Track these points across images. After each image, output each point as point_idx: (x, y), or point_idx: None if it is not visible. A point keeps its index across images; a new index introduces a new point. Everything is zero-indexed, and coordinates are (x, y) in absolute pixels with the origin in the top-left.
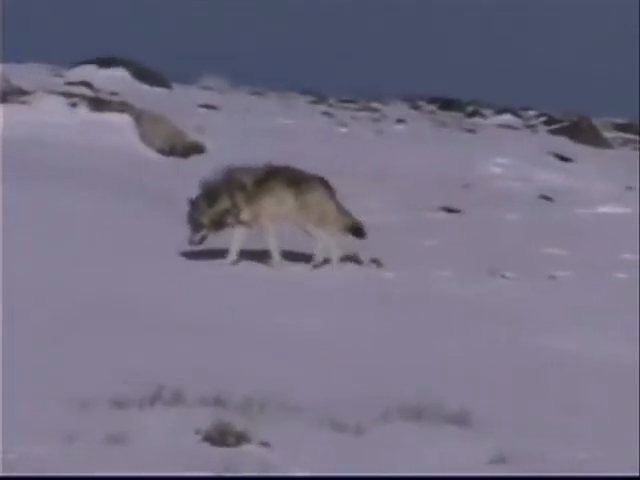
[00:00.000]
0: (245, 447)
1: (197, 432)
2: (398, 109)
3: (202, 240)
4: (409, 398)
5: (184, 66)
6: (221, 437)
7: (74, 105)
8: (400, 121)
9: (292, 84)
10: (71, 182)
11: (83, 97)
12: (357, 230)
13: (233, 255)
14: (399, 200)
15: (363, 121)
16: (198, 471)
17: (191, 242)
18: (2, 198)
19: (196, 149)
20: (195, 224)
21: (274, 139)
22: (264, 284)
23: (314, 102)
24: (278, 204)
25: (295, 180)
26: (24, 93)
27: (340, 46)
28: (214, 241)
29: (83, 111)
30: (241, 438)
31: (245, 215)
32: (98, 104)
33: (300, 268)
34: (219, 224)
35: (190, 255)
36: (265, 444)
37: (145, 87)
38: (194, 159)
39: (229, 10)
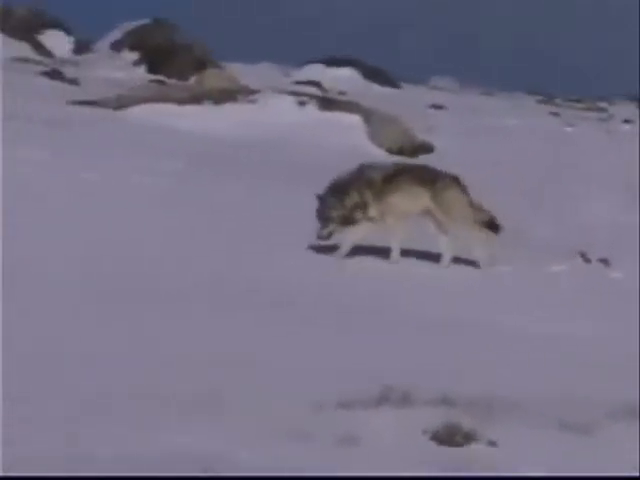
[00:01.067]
0: (473, 446)
1: (425, 432)
2: (625, 109)
3: (330, 235)
4: (635, 398)
5: (413, 67)
6: (449, 437)
7: (303, 104)
8: (627, 121)
9: (520, 84)
10: (300, 181)
11: (312, 96)
12: (493, 225)
13: (346, 248)
14: (628, 199)
15: (590, 121)
16: (426, 471)
17: (319, 237)
18: (233, 196)
19: (425, 149)
20: (324, 219)
21: (502, 138)
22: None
23: (542, 102)
24: (409, 201)
25: (428, 178)
26: (252, 92)
27: (565, 47)
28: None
29: (312, 110)
30: (469, 437)
31: (373, 212)
32: (327, 103)
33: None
34: (348, 220)
35: (406, 253)
36: (492, 443)
37: (374, 87)
38: (423, 159)
39: (457, 12)
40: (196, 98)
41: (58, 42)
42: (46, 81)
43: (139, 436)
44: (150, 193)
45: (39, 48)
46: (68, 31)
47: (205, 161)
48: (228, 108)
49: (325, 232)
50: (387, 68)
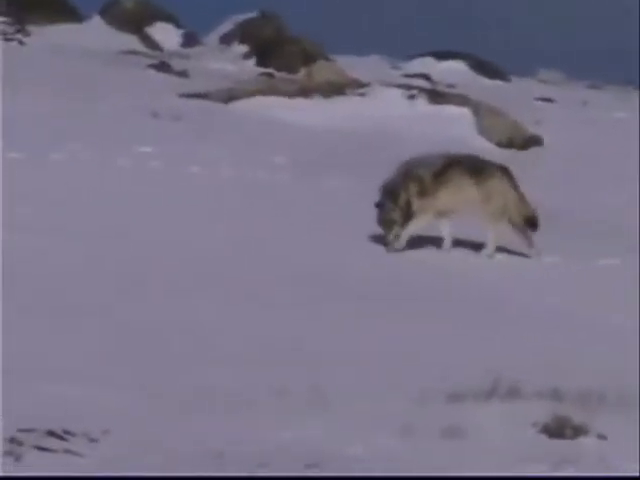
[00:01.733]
0: (582, 440)
1: (534, 425)
2: None
3: (397, 238)
4: None
5: (522, 59)
6: (559, 430)
7: (412, 97)
8: None
9: (630, 78)
10: None
11: (421, 89)
12: (533, 222)
13: (403, 241)
14: None
15: None
16: (535, 463)
17: (387, 244)
18: (343, 190)
19: (534, 142)
20: (386, 225)
21: (611, 132)
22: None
23: None
24: (457, 195)
25: (476, 169)
26: (361, 85)
27: None
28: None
29: (421, 103)
30: (578, 431)
31: (423, 206)
32: (436, 97)
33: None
34: (407, 218)
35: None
36: (602, 437)
37: (484, 80)
38: (533, 151)
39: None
40: (305, 91)
41: (167, 35)
42: (155, 74)
43: (247, 433)
44: (260, 187)
45: (147, 41)
46: (177, 24)
47: (314, 154)
48: (337, 101)
49: (391, 237)
50: (498, 61)
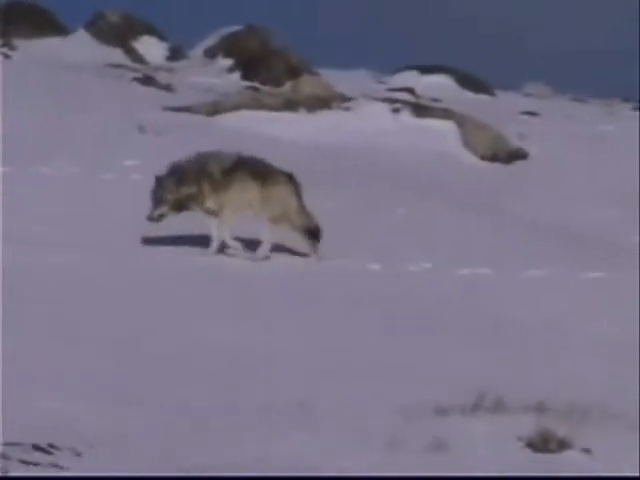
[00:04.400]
0: (567, 453)
1: (519, 439)
2: None
3: (161, 218)
4: None
5: (507, 73)
6: (543, 443)
7: (397, 111)
8: None
9: (614, 91)
10: (395, 188)
11: (406, 103)
12: (313, 233)
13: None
14: None
15: None
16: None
17: (150, 218)
18: (330, 203)
19: (519, 155)
20: (157, 200)
21: (596, 145)
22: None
23: (637, 109)
24: (242, 195)
25: (262, 173)
26: (347, 99)
27: None
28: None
29: (406, 117)
30: (563, 444)
31: (210, 204)
32: (421, 110)
33: None
34: (181, 206)
35: (506, 259)
36: (587, 450)
37: (468, 94)
38: (517, 165)
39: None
40: (290, 105)
41: (151, 48)
42: (139, 87)
43: (236, 447)
44: None
45: (132, 54)
46: (162, 37)
47: (299, 168)
48: (322, 115)
49: (156, 214)
50: (482, 75)
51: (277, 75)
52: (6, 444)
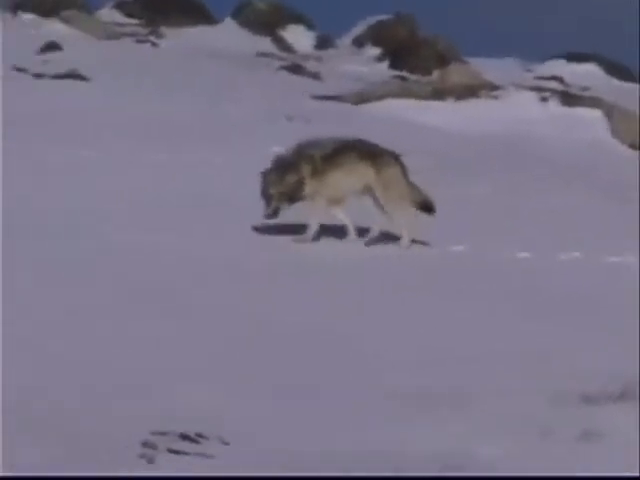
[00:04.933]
0: None
1: None
2: None
3: (276, 213)
4: None
5: None
6: None
7: (545, 100)
8: None
9: None
10: (543, 177)
11: (554, 92)
12: (429, 206)
13: (310, 231)
14: None
15: None
16: None
17: (266, 216)
18: (477, 192)
19: None
20: (266, 197)
21: None
22: None
23: None
24: (350, 179)
25: (370, 154)
26: (495, 88)
27: None
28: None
29: (554, 106)
30: None
31: (311, 189)
32: (569, 99)
33: None
34: (290, 197)
35: None
36: None
37: (616, 82)
38: None
39: None
40: (438, 94)
41: (299, 37)
42: (287, 76)
43: (386, 434)
44: None
45: (280, 43)
46: (310, 26)
47: (447, 157)
48: (470, 104)
49: (269, 210)
50: (631, 64)
51: (425, 64)
52: (153, 433)
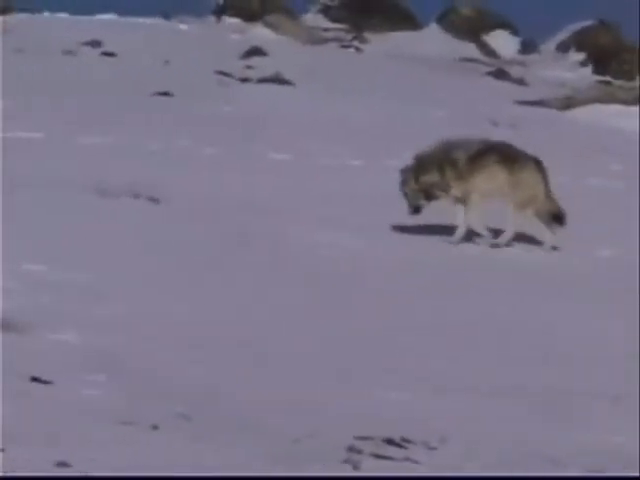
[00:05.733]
0: None
1: None
2: None
3: (419, 209)
4: None
5: None
6: None
7: None
8: None
9: None
10: None
11: None
12: (559, 217)
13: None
14: None
15: None
16: None
17: (410, 212)
18: None
19: None
20: (404, 193)
21: None
22: None
23: None
24: (490, 181)
25: (510, 158)
26: None
27: None
28: None
29: None
30: None
31: (456, 191)
32: None
33: None
34: (427, 195)
35: None
36: None
37: None
38: None
39: None
40: None
41: (504, 42)
42: (492, 81)
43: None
44: (595, 193)
45: (485, 48)
46: (514, 31)
47: None
48: None
49: (413, 206)
50: None
51: (629, 69)
52: (357, 438)
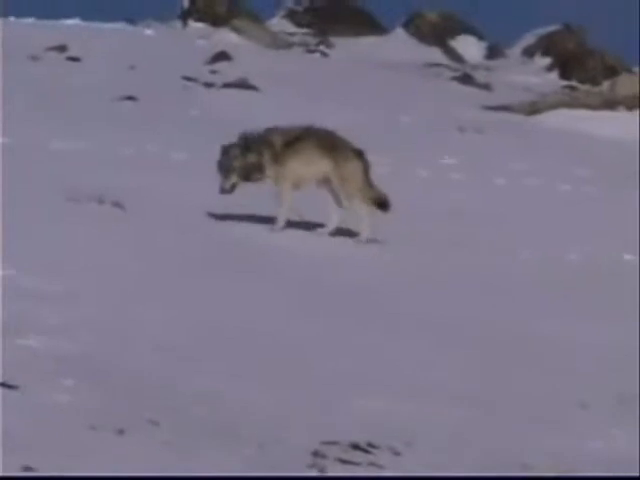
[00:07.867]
0: None
1: None
2: None
3: (233, 188)
4: None
5: None
6: None
7: None
8: None
9: None
10: None
11: None
12: (382, 204)
13: (282, 222)
14: None
15: None
16: None
17: (222, 190)
18: None
19: None
20: (226, 170)
21: None
22: None
23: None
24: (307, 167)
25: (332, 146)
26: None
27: None
28: None
29: None
30: None
31: (270, 173)
32: None
33: None
34: (247, 176)
35: None
36: None
37: None
38: None
39: None
40: (609, 104)
41: (469, 47)
42: (458, 86)
43: (556, 441)
44: (564, 198)
45: (450, 53)
46: (480, 36)
47: (619, 167)
48: None
49: (228, 185)
50: None
51: (594, 74)
52: (323, 443)
